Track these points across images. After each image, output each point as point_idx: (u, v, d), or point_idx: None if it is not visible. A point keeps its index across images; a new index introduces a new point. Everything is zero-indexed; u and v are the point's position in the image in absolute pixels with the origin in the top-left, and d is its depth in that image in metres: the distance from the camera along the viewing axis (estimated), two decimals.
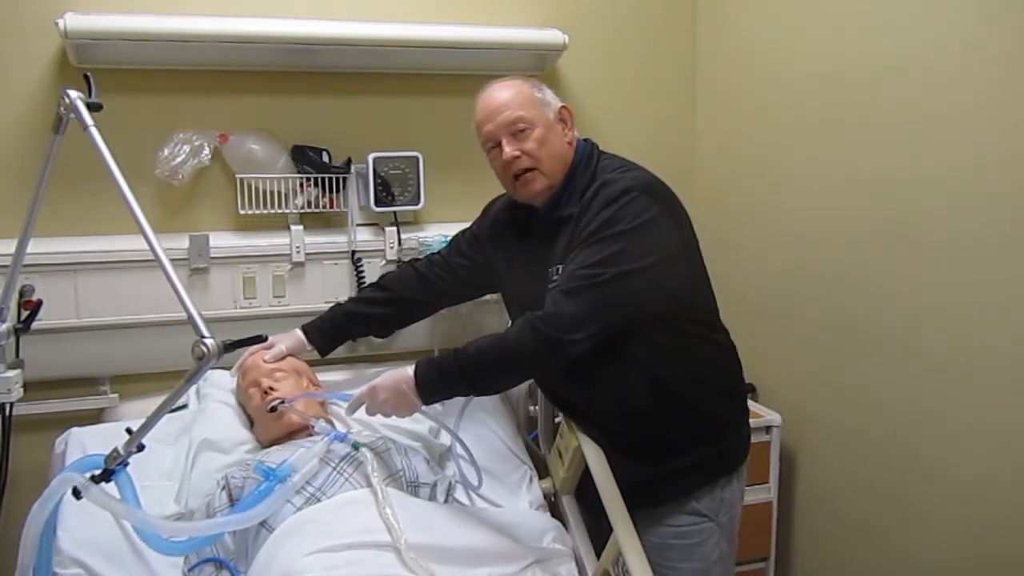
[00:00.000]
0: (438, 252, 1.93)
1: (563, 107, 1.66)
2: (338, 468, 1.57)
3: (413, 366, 1.54)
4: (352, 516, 1.45)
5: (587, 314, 1.45)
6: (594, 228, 1.49)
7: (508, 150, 1.59)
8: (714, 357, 1.65)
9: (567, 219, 1.57)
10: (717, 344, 1.67)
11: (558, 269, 1.55)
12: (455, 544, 1.47)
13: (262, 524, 1.48)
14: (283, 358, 1.80)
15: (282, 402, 1.67)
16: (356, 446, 1.60)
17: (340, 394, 1.68)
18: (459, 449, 1.81)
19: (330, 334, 1.88)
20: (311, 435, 1.66)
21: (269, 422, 1.70)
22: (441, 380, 1.52)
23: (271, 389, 1.71)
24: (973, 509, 1.72)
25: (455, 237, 1.92)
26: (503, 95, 1.62)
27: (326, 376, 1.96)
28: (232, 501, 1.55)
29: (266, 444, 1.74)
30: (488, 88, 1.65)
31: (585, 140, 1.70)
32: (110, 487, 1.28)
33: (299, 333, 1.86)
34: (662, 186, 1.59)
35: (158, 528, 1.33)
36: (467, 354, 1.51)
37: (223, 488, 1.57)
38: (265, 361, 1.78)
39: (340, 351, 2.04)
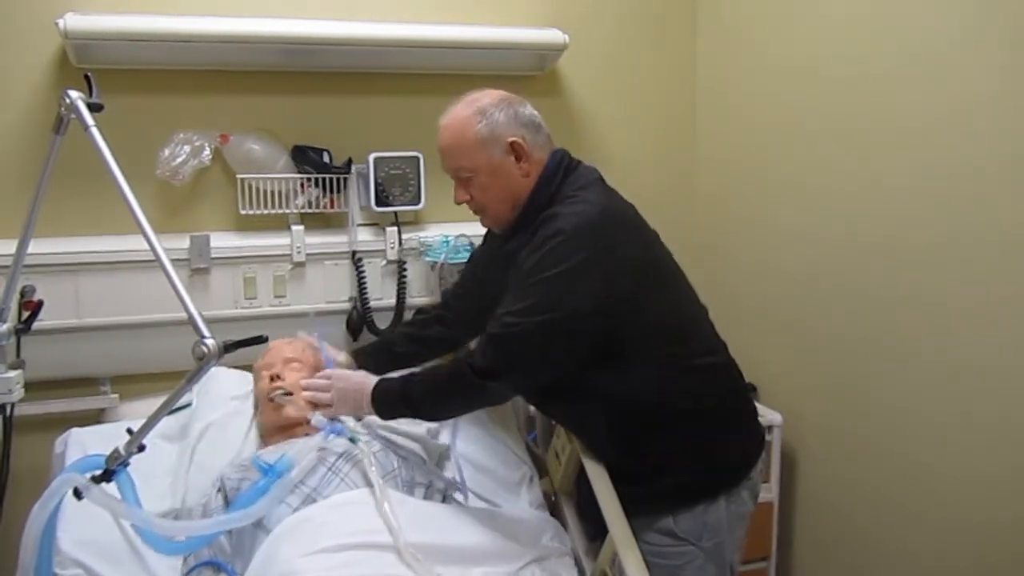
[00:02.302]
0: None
1: (513, 141, 1.56)
2: (334, 468, 1.57)
3: (371, 385, 1.63)
4: (350, 516, 1.45)
5: (506, 365, 1.49)
6: (523, 273, 1.49)
7: (457, 195, 1.64)
8: (694, 382, 1.56)
9: (514, 253, 1.56)
10: (699, 368, 1.58)
11: None
12: (453, 543, 1.47)
13: (258, 526, 1.48)
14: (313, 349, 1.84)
15: (285, 394, 1.70)
16: (353, 439, 1.60)
17: (333, 426, 1.66)
18: (458, 451, 1.82)
19: (377, 356, 1.89)
20: (307, 434, 1.67)
21: (269, 409, 1.73)
22: (389, 403, 1.62)
23: (277, 377, 1.74)
24: (972, 509, 1.72)
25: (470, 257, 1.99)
26: (445, 138, 1.61)
27: None
28: (227, 502, 1.55)
29: (264, 432, 1.76)
30: (443, 115, 1.63)
31: (556, 153, 1.62)
32: (111, 487, 1.28)
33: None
34: (603, 220, 1.50)
35: (157, 528, 1.33)
36: (413, 384, 1.60)
37: (219, 489, 1.58)
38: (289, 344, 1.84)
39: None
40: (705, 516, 1.56)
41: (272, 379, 1.74)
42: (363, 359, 1.89)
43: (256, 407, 1.82)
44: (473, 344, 1.86)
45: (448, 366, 1.57)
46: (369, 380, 1.65)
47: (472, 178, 1.59)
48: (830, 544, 2.15)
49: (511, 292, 1.50)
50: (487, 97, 1.60)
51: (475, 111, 1.57)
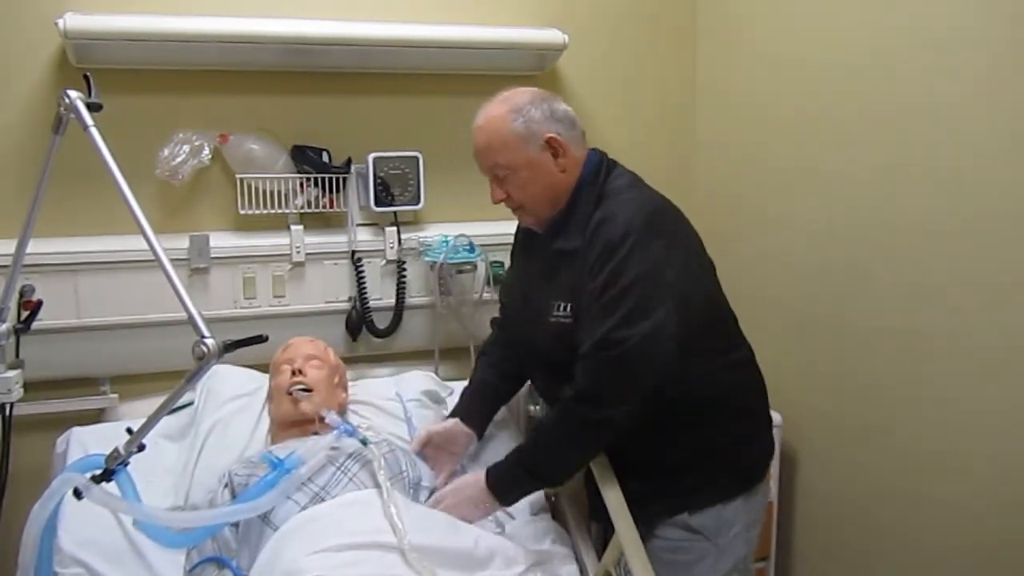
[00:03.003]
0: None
1: (550, 137, 1.53)
2: (343, 467, 1.57)
3: (484, 475, 1.57)
4: (356, 516, 1.45)
5: (624, 387, 1.42)
6: (602, 283, 1.43)
7: (494, 194, 1.59)
8: (726, 378, 1.57)
9: (569, 253, 1.52)
10: (737, 362, 1.61)
11: (561, 306, 1.52)
12: (456, 547, 1.47)
13: (266, 522, 1.48)
14: (425, 442, 1.75)
15: (304, 390, 1.71)
16: (364, 441, 1.60)
17: (346, 426, 1.65)
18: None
19: (480, 407, 1.80)
20: (317, 432, 1.67)
21: (287, 403, 1.73)
22: (515, 484, 1.56)
23: (299, 372, 1.75)
24: (974, 509, 1.72)
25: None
26: (481, 139, 1.57)
27: None
28: (234, 497, 1.55)
29: (275, 424, 1.77)
30: (477, 117, 1.58)
31: (595, 152, 1.62)
32: (111, 487, 1.28)
33: (455, 422, 1.77)
34: (663, 211, 1.54)
35: (163, 520, 1.34)
36: (529, 455, 1.54)
37: (226, 485, 1.58)
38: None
39: (341, 350, 2.05)
40: (723, 512, 1.55)
41: (293, 373, 1.75)
42: (468, 417, 1.77)
43: (269, 400, 1.82)
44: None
45: (559, 423, 1.49)
46: (479, 475, 1.58)
47: (509, 176, 1.55)
48: (831, 542, 2.15)
49: (597, 310, 1.43)
50: (521, 95, 1.57)
51: (510, 108, 1.54)
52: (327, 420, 1.64)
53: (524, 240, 1.76)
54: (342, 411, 1.79)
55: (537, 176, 1.55)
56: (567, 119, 1.58)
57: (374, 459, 1.56)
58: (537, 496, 1.82)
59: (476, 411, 1.79)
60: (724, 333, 1.61)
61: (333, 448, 1.58)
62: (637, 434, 1.53)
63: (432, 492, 1.69)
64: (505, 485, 1.56)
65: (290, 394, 1.72)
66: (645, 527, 1.53)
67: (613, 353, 1.41)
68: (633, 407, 1.43)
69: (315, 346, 1.85)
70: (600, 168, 1.58)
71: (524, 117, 1.53)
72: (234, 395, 1.88)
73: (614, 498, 1.53)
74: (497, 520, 1.65)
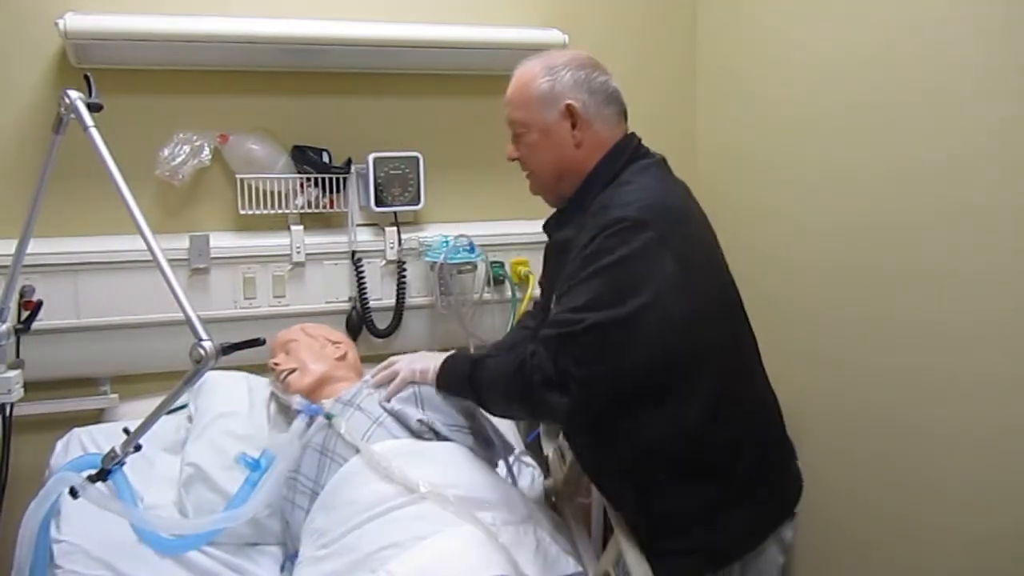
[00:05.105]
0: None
1: (568, 104, 1.43)
2: (323, 451, 1.57)
3: (441, 360, 1.59)
4: (350, 498, 1.46)
5: (567, 372, 1.29)
6: (578, 264, 1.34)
7: (509, 150, 1.54)
8: (739, 422, 1.41)
9: (566, 243, 1.43)
10: (749, 401, 1.44)
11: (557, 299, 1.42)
12: (460, 486, 1.46)
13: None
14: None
15: (287, 376, 1.81)
16: (329, 416, 1.61)
17: (312, 407, 1.69)
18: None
19: None
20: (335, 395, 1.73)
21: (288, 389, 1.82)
22: (455, 380, 1.55)
23: (276, 365, 1.85)
24: (974, 517, 1.71)
25: None
26: (508, 90, 1.51)
27: None
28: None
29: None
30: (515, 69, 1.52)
31: (629, 138, 1.51)
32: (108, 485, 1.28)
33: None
34: (671, 207, 1.41)
35: (156, 526, 1.34)
36: (481, 368, 1.48)
37: None
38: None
39: None
40: None
41: (272, 368, 1.85)
42: None
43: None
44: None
45: (514, 362, 1.37)
46: (439, 355, 1.59)
47: (523, 134, 1.48)
48: (830, 544, 2.14)
49: (569, 289, 1.34)
50: (562, 55, 1.49)
51: (544, 67, 1.46)
52: (294, 405, 1.70)
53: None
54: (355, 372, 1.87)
55: (548, 143, 1.46)
56: (603, 92, 1.48)
57: (339, 428, 1.56)
58: (538, 491, 1.81)
59: None
60: (739, 362, 1.45)
61: (303, 437, 1.61)
62: (622, 488, 1.47)
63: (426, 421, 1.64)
64: (451, 384, 1.56)
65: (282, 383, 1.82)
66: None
67: (558, 333, 1.31)
68: (570, 399, 1.29)
69: (288, 332, 1.93)
70: (622, 156, 1.47)
71: (552, 77, 1.45)
72: (222, 412, 1.81)
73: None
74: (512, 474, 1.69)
